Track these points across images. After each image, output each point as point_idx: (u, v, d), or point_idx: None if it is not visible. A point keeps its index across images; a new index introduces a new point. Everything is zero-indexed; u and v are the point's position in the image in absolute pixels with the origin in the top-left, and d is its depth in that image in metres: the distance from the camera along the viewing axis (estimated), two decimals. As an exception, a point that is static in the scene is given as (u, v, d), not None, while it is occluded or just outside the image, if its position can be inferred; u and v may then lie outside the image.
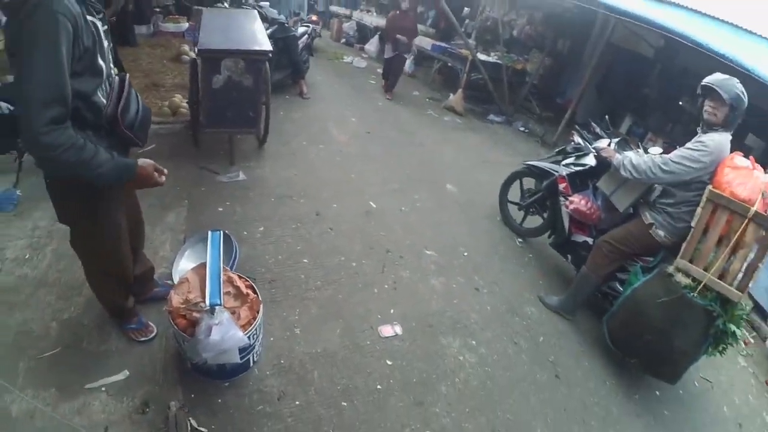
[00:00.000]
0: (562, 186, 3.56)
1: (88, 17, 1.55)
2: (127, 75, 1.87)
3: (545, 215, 3.93)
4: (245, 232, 3.45)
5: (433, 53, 8.78)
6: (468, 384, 2.68)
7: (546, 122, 7.63)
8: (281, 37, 5.90)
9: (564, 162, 3.64)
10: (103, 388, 2.22)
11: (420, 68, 9.70)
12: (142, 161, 1.82)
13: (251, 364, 2.40)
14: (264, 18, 5.64)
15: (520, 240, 4.13)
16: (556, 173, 3.64)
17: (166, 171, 1.96)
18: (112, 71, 1.79)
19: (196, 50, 4.09)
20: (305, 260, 3.27)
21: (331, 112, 6.24)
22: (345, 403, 2.40)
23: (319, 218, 3.77)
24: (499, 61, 7.85)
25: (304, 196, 4.04)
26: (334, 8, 13.86)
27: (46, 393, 2.13)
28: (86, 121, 1.64)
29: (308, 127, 5.50)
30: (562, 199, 3.59)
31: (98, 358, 2.38)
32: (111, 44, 1.76)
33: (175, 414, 2.08)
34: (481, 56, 7.79)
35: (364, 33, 11.47)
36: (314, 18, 9.66)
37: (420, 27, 9.82)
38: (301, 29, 6.73)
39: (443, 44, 8.64)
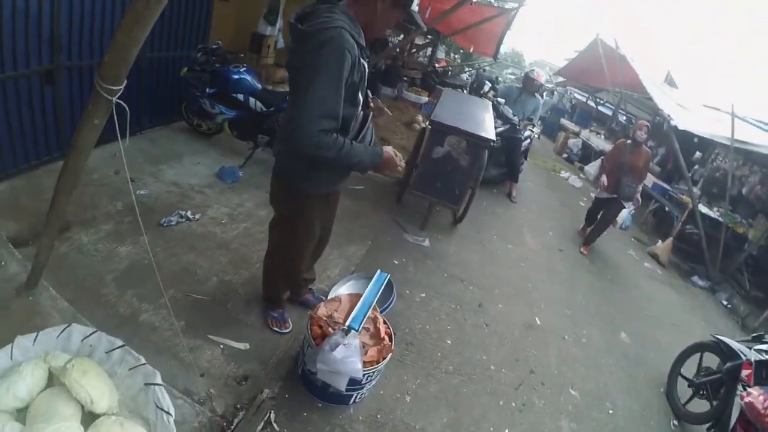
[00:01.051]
0: (745, 373, 3.05)
1: (361, 59, 1.90)
2: (371, 113, 2.22)
3: (714, 403, 3.33)
4: (407, 291, 3.61)
5: (652, 192, 8.21)
6: None
7: (753, 302, 6.45)
8: (508, 136, 6.06)
9: (757, 347, 3.17)
10: (222, 346, 2.55)
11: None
12: (386, 148, 2.14)
13: (351, 401, 2.44)
14: (499, 115, 5.89)
15: (675, 422, 3.51)
16: (743, 357, 3.15)
17: (404, 162, 2.23)
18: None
19: (428, 121, 4.56)
20: (449, 341, 3.27)
21: (531, 218, 6.25)
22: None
23: (479, 310, 3.74)
24: (720, 219, 6.95)
25: (474, 284, 4.06)
26: (564, 122, 14.03)
27: (175, 320, 2.45)
28: None
29: (504, 224, 5.59)
30: (740, 388, 3.05)
31: (233, 322, 2.75)
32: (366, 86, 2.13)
33: (262, 400, 2.24)
34: (703, 208, 7.08)
35: (587, 153, 11.32)
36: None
37: None
38: (525, 133, 6.83)
39: (665, 185, 8.13)
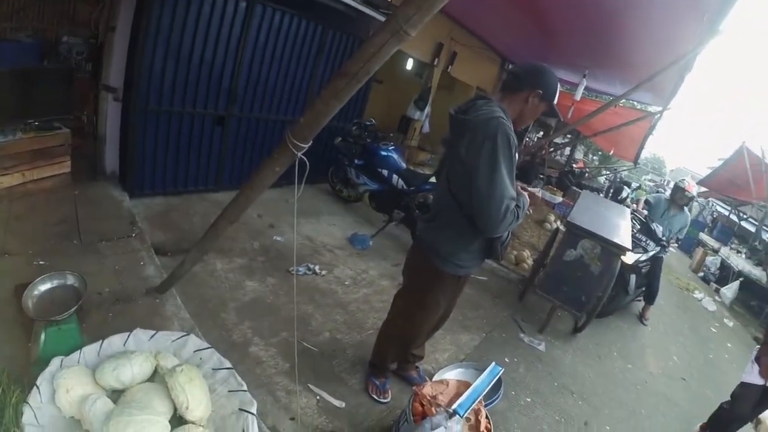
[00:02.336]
0: None
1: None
2: None
3: None
4: (513, 392, 3.38)
5: None
6: None
7: None
8: (653, 256, 5.44)
9: None
10: (318, 397, 2.52)
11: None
12: (523, 194, 2.15)
13: None
14: (649, 233, 5.31)
15: None
16: None
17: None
18: None
19: (561, 221, 4.43)
20: (545, 453, 2.99)
21: (656, 339, 5.64)
22: None
23: (584, 429, 3.37)
24: None
25: (584, 399, 3.71)
26: (703, 236, 12.89)
27: (281, 360, 2.56)
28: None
29: (626, 341, 5.10)
30: None
31: (334, 378, 2.73)
32: None
33: None
34: None
35: (726, 273, 10.08)
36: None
37: None
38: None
39: None
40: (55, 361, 1.77)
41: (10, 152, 3.17)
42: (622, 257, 4.64)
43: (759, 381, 3.13)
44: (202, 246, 2.44)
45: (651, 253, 4.99)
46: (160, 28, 3.34)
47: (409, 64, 8.56)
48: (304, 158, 1.90)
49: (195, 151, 4.08)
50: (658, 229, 5.21)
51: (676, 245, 6.85)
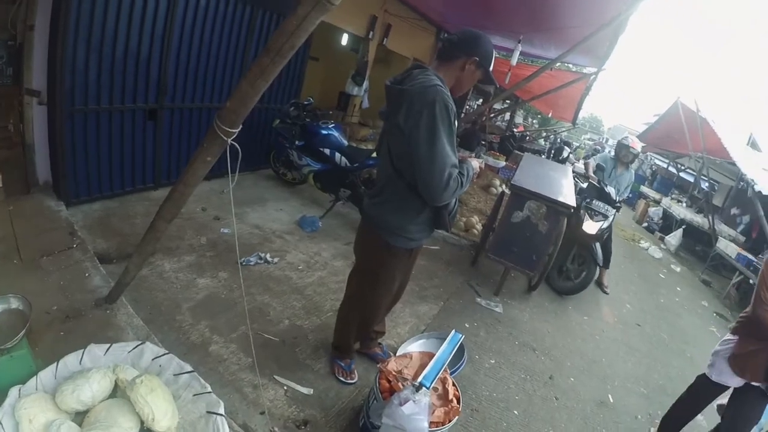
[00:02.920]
0: None
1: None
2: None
3: None
4: (477, 356, 3.46)
5: (736, 264, 7.47)
6: None
7: None
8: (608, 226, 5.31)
9: None
10: (286, 388, 2.52)
11: (717, 276, 8.50)
12: (471, 162, 2.18)
13: None
14: (602, 195, 5.14)
15: None
16: None
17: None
18: None
19: (506, 185, 4.49)
20: (516, 412, 3.07)
21: (609, 290, 5.92)
22: None
23: (550, 382, 3.51)
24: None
25: (546, 354, 3.84)
26: (644, 189, 13.51)
27: (243, 356, 2.53)
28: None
29: (580, 296, 5.27)
30: None
31: (299, 366, 2.73)
32: None
33: None
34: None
35: (668, 222, 10.74)
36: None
37: (729, 231, 8.76)
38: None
39: (750, 256, 7.34)
40: (13, 392, 1.69)
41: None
42: (586, 229, 4.78)
43: (735, 382, 2.65)
44: (143, 249, 2.35)
45: (611, 219, 5.04)
46: (80, 22, 3.13)
47: (344, 40, 8.45)
48: (236, 144, 1.82)
49: (129, 150, 3.89)
50: (612, 192, 5.23)
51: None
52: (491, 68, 2.12)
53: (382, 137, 2.21)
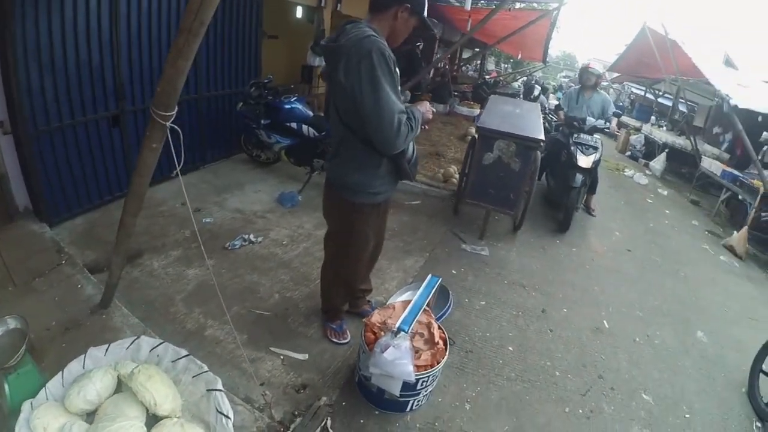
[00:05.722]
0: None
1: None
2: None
3: None
4: (467, 300, 3.56)
5: (722, 181, 7.51)
6: None
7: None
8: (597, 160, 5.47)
9: None
10: (282, 357, 2.65)
11: (706, 196, 8.59)
12: (418, 106, 2.23)
13: (408, 408, 2.40)
14: (581, 129, 5.35)
15: (758, 424, 3.08)
16: None
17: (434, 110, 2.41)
18: None
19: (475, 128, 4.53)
20: (510, 348, 3.15)
21: (596, 220, 5.97)
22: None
23: (543, 316, 3.60)
24: (798, 200, 6.14)
25: (536, 289, 3.93)
26: (624, 118, 13.47)
27: (239, 335, 2.60)
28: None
29: (567, 230, 5.37)
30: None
31: (293, 335, 2.85)
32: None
33: (319, 407, 2.29)
34: (776, 191, 6.28)
35: (651, 148, 10.81)
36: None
37: (712, 150, 8.82)
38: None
39: (736, 172, 7.40)
40: (26, 406, 1.79)
41: None
42: (580, 163, 4.95)
43: None
44: (119, 248, 2.44)
45: (600, 150, 5.25)
46: (26, 42, 3.13)
47: (299, 12, 8.33)
48: (175, 126, 1.87)
49: (99, 159, 3.93)
50: (586, 118, 5.36)
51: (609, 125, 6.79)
52: (425, 14, 2.13)
53: (328, 98, 2.24)
